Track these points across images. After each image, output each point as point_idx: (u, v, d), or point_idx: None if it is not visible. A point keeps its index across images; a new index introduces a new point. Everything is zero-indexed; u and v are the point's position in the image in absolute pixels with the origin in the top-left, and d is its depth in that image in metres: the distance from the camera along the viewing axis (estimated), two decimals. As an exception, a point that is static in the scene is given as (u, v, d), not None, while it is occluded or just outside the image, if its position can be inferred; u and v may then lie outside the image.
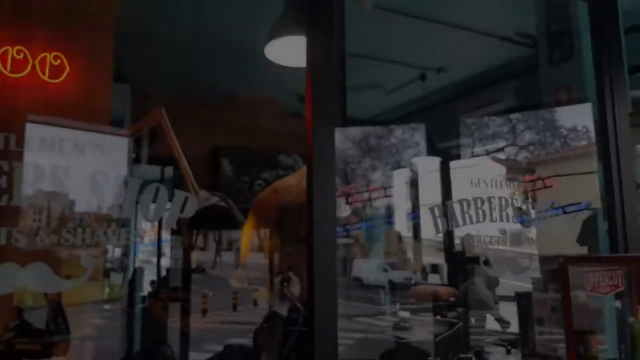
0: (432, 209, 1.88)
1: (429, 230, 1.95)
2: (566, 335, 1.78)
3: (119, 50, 3.02)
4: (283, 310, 2.20)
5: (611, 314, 2.17)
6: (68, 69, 2.72)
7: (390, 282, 7.47)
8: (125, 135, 2.54)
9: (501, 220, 1.91)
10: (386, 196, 4.51)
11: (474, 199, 1.90)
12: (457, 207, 1.89)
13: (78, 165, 1.61)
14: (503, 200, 1.92)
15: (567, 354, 1.77)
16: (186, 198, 1.44)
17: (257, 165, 5.67)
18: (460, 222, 1.88)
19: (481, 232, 2.10)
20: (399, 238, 6.15)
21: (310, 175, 1.61)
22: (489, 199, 1.91)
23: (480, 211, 1.89)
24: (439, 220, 1.85)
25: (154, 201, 1.44)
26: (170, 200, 1.44)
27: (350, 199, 3.94)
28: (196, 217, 2.47)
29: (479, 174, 2.13)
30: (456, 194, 2.14)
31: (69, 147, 1.75)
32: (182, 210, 1.43)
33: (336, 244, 1.61)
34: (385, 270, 7.76)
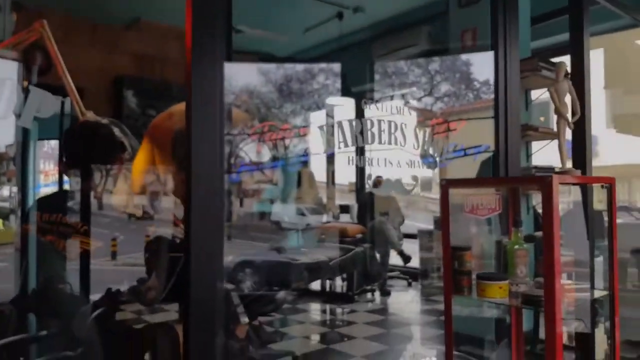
0: (320, 127, 1.88)
1: (319, 149, 1.95)
2: (443, 251, 1.91)
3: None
4: (168, 235, 2.16)
5: (489, 234, 2.36)
6: None
7: (308, 225, 7.73)
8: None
9: (389, 143, 1.96)
10: (301, 135, 4.51)
11: (362, 120, 1.92)
12: (346, 127, 1.90)
13: None
14: (392, 124, 1.97)
15: (444, 268, 1.92)
16: (44, 97, 1.31)
17: (165, 99, 5.30)
18: (349, 142, 1.91)
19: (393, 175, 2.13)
20: (312, 178, 6.25)
21: (189, 112, 1.50)
22: (379, 122, 1.94)
23: (369, 133, 1.92)
24: (325, 139, 1.86)
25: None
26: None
27: (264, 138, 3.89)
28: (84, 144, 2.31)
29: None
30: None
31: None
32: (38, 110, 1.31)
33: (223, 186, 1.53)
34: (303, 214, 7.98)
